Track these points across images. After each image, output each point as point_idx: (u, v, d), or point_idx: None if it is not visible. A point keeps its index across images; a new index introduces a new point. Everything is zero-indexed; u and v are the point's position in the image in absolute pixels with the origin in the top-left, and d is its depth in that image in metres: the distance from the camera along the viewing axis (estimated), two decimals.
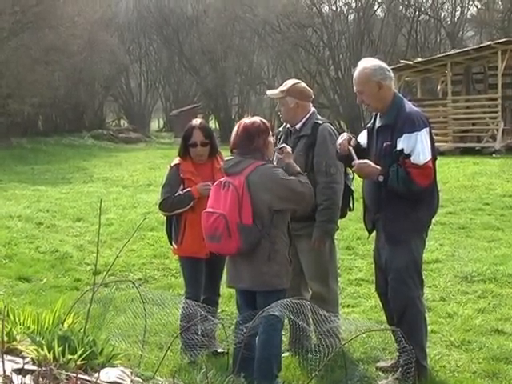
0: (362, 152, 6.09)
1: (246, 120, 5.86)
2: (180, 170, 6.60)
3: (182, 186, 6.55)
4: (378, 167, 5.82)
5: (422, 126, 5.79)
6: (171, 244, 6.91)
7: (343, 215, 6.81)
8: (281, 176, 5.64)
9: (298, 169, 5.83)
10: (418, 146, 5.71)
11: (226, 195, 5.60)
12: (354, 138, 6.11)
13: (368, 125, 6.29)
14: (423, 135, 5.76)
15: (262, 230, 5.57)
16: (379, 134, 6.01)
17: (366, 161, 5.89)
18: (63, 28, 34.20)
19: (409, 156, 5.71)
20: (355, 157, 5.92)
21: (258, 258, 5.60)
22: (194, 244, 6.33)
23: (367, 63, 6.04)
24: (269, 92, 6.96)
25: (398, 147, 5.76)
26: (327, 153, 6.35)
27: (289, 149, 5.93)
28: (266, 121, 5.92)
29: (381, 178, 5.79)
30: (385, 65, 6.08)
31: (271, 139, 5.88)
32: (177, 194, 6.52)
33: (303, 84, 6.71)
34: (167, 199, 6.50)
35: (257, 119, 5.87)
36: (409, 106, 5.97)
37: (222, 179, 5.80)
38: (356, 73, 6.05)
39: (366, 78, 5.95)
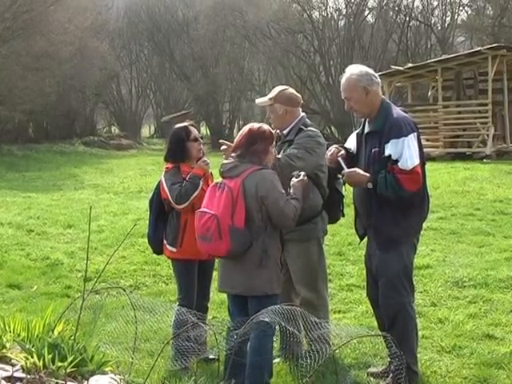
0: (351, 159, 6.11)
1: (255, 124, 5.92)
2: (181, 170, 6.57)
3: None
4: (366, 174, 5.83)
5: (409, 131, 5.80)
6: (156, 252, 6.89)
7: (334, 220, 6.82)
8: (274, 188, 5.64)
9: (299, 196, 5.80)
10: (405, 151, 5.72)
11: (220, 196, 5.61)
12: (342, 150, 6.13)
13: (357, 131, 6.31)
14: (410, 140, 5.77)
15: (254, 234, 5.58)
16: (368, 140, 6.03)
17: (355, 169, 5.90)
18: (54, 35, 34.16)
19: (396, 162, 5.73)
20: (344, 166, 5.95)
21: (249, 262, 5.61)
22: (195, 245, 6.09)
23: (354, 70, 6.07)
24: (257, 100, 6.95)
25: (386, 153, 5.78)
26: (299, 144, 6.36)
27: (304, 179, 5.93)
28: (272, 130, 5.95)
29: (370, 186, 5.81)
30: (371, 71, 6.10)
31: (273, 149, 5.90)
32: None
33: (291, 90, 6.71)
34: (180, 191, 6.42)
35: (264, 125, 5.91)
36: (396, 111, 5.99)
37: (218, 181, 5.82)
38: (343, 80, 6.08)
39: (353, 84, 5.98)
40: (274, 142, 5.97)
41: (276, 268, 5.72)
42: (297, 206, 5.70)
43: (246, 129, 5.85)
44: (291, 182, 5.88)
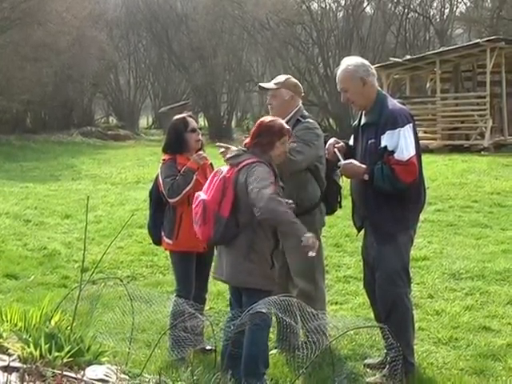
0: (350, 151, 6.14)
1: (268, 117, 5.94)
2: (177, 163, 6.58)
3: None
4: (363, 166, 5.85)
5: (404, 122, 5.81)
6: (156, 243, 6.89)
7: (332, 212, 6.82)
8: (261, 181, 5.52)
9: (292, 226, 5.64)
10: (401, 142, 5.73)
11: (215, 183, 5.67)
12: (341, 142, 6.15)
13: (354, 123, 6.32)
14: (406, 131, 5.78)
15: (241, 226, 5.57)
16: (364, 131, 6.05)
17: (351, 161, 5.92)
18: (52, 24, 34.04)
19: (392, 153, 5.73)
20: (341, 157, 5.97)
21: (236, 254, 5.63)
22: (191, 238, 6.20)
23: (349, 61, 6.09)
24: (263, 84, 6.98)
25: (382, 144, 5.79)
26: (299, 138, 6.36)
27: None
28: (287, 126, 5.85)
29: (366, 177, 5.82)
30: (366, 62, 6.14)
31: (283, 147, 5.78)
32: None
33: (295, 79, 6.79)
34: (172, 185, 6.44)
35: (279, 120, 5.89)
36: (392, 103, 5.99)
37: (221, 167, 5.83)
38: (339, 71, 6.10)
39: (350, 75, 6.00)
40: (287, 138, 5.85)
41: (262, 263, 5.65)
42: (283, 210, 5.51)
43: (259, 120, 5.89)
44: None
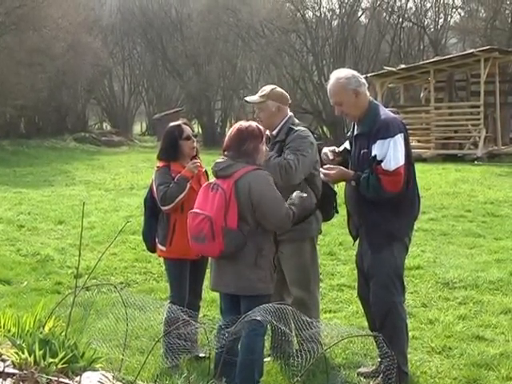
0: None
1: (242, 123, 5.86)
2: (171, 170, 6.58)
3: None
4: (350, 172, 5.89)
5: (396, 131, 5.79)
6: (150, 249, 6.88)
7: (328, 218, 6.81)
8: (270, 188, 5.62)
9: (297, 202, 5.79)
10: (390, 152, 5.71)
11: (214, 197, 5.58)
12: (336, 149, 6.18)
13: (348, 133, 6.33)
14: (397, 141, 5.76)
15: (248, 235, 5.56)
16: (357, 141, 6.04)
17: (336, 170, 5.92)
18: (46, 30, 34.11)
19: (381, 162, 5.73)
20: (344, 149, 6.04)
21: (243, 262, 5.58)
22: (184, 245, 6.19)
23: (340, 74, 6.07)
24: (248, 98, 6.93)
25: (372, 154, 5.79)
26: (294, 148, 6.37)
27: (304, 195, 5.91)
28: (261, 127, 5.90)
29: (353, 183, 5.86)
30: (356, 72, 6.12)
31: (264, 147, 5.87)
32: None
33: (280, 89, 6.74)
34: (165, 192, 6.43)
35: (253, 123, 5.86)
36: (384, 112, 5.99)
37: (211, 181, 5.79)
38: (330, 85, 6.07)
39: (343, 88, 5.97)
40: (265, 140, 5.94)
41: (270, 268, 5.71)
42: (293, 209, 5.70)
43: (234, 128, 5.82)
44: (293, 194, 5.87)
